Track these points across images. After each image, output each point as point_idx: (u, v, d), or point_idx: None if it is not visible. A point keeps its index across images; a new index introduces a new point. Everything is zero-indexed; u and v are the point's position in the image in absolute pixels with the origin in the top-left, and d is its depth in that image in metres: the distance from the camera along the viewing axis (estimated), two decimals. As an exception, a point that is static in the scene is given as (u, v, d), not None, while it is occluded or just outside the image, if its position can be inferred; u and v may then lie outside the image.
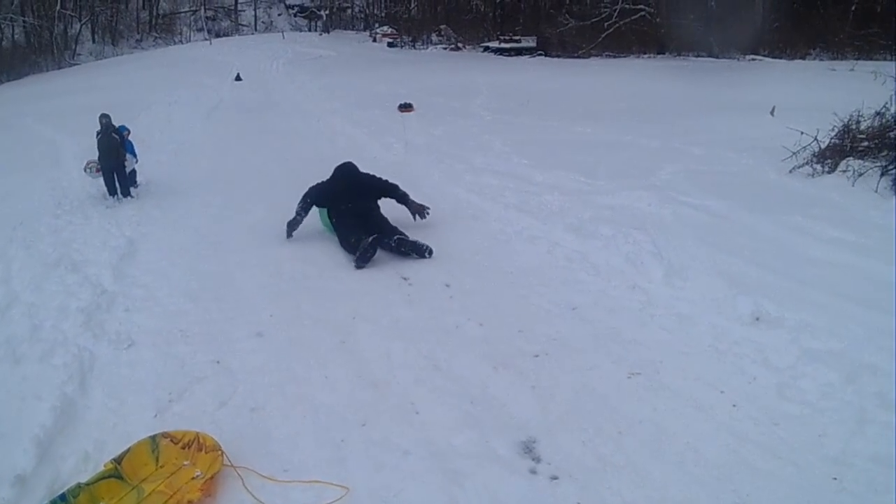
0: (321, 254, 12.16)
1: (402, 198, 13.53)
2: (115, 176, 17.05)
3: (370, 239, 11.48)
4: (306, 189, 13.42)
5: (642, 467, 6.14)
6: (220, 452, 6.50)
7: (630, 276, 10.07)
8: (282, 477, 6.31)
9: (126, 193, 17.10)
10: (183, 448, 6.67)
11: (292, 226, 13.05)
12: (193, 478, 6.38)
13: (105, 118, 17.02)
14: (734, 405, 6.90)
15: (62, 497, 5.98)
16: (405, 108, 29.04)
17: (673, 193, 13.77)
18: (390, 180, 13.75)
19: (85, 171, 17.71)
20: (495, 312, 9.24)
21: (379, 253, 11.74)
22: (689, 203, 13.13)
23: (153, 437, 6.77)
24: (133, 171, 17.90)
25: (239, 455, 6.60)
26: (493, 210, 13.81)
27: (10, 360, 8.84)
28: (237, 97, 37.73)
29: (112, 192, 17.00)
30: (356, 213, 12.72)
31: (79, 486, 6.11)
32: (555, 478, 6.07)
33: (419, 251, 11.61)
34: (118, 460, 6.44)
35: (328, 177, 13.61)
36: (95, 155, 16.76)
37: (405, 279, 10.68)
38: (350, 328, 9.11)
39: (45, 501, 6.14)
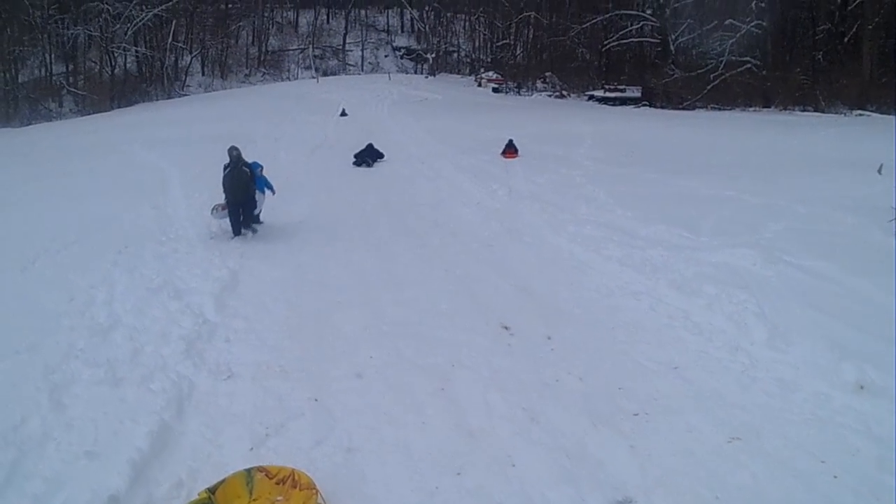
0: (423, 299, 12.18)
1: None
2: (241, 212, 16.69)
3: None
4: (407, 233, 13.53)
5: (739, 536, 6.09)
6: (314, 491, 6.56)
7: (733, 337, 9.94)
8: (374, 521, 6.39)
9: (247, 227, 16.82)
10: (277, 483, 6.76)
11: None
12: (285, 514, 6.46)
13: (235, 150, 16.62)
14: (835, 476, 6.76)
15: None
16: (509, 150, 29.12)
17: (777, 252, 13.53)
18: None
19: (212, 213, 17.52)
20: (596, 367, 9.19)
21: (485, 291, 12.12)
22: (793, 263, 12.90)
23: (248, 470, 6.87)
24: (258, 211, 17.61)
25: (333, 495, 6.68)
26: (595, 262, 13.76)
27: (111, 381, 9.10)
28: (342, 136, 37.99)
29: (237, 231, 16.70)
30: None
31: (172, 511, 6.24)
32: (650, 541, 6.05)
33: None
34: (212, 490, 6.58)
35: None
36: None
37: (506, 328, 10.66)
38: (449, 375, 9.14)
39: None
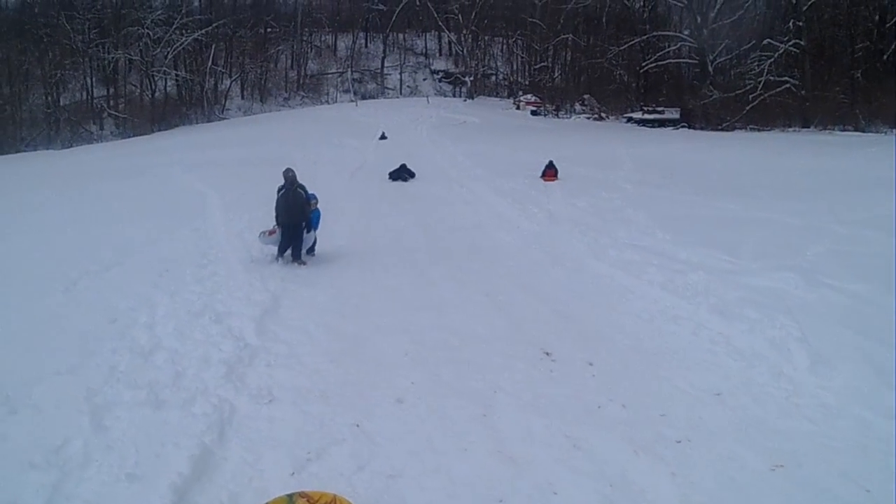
0: (463, 324, 12.15)
1: None
2: (292, 236, 16.52)
3: None
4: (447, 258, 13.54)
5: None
6: (355, 517, 6.51)
7: (775, 363, 9.86)
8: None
9: (297, 257, 16.60)
10: (318, 509, 6.73)
11: None
12: (326, 540, 6.43)
13: (290, 172, 16.68)
14: (880, 506, 6.67)
15: None
16: (549, 170, 29.17)
17: (818, 276, 13.47)
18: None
19: (259, 237, 17.43)
20: (638, 394, 9.13)
21: (526, 316, 12.14)
22: (834, 286, 12.81)
23: (290, 496, 6.84)
24: (314, 240, 17.37)
25: (374, 521, 6.62)
26: (636, 287, 13.70)
27: (152, 404, 9.17)
28: (381, 159, 38.10)
29: (282, 251, 16.60)
30: None
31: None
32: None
33: None
34: (253, 514, 6.54)
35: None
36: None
37: (547, 354, 10.61)
38: (491, 401, 9.09)
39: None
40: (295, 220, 16.44)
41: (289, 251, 16.54)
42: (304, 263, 16.56)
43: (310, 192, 17.14)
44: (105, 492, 7.21)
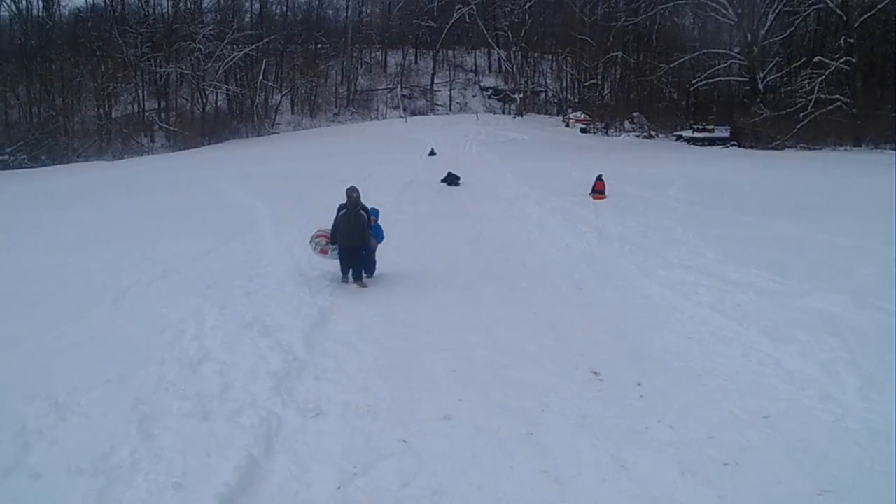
0: (512, 342, 12.11)
1: None
2: (351, 259, 16.03)
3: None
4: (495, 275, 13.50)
5: None
6: (401, 533, 6.53)
7: (824, 386, 9.72)
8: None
9: (358, 278, 16.18)
10: (365, 524, 6.75)
11: None
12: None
13: (354, 192, 15.89)
14: (930, 534, 6.59)
15: None
16: (598, 183, 29.25)
17: (869, 298, 13.26)
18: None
19: (310, 243, 16.78)
20: (686, 415, 9.05)
21: (574, 335, 12.21)
22: (884, 308, 12.61)
23: (335, 509, 6.89)
24: (374, 260, 16.89)
25: (419, 537, 6.62)
26: (686, 307, 13.59)
27: (200, 415, 9.25)
28: (430, 176, 38.32)
29: (345, 273, 16.16)
30: None
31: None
32: None
33: None
34: (299, 527, 6.57)
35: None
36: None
37: (595, 374, 10.55)
38: (538, 420, 9.06)
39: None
40: (354, 243, 15.83)
41: (350, 272, 16.19)
42: (365, 286, 16.09)
43: (372, 207, 16.78)
44: (151, 500, 7.32)
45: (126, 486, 7.52)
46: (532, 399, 9.69)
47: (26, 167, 64.01)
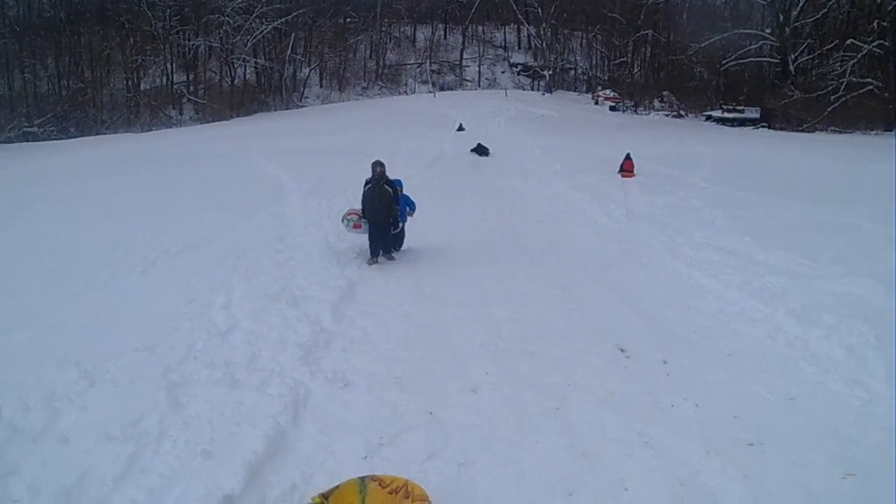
0: (539, 318, 12.15)
1: None
2: (382, 231, 15.91)
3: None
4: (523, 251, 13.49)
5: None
6: (427, 503, 6.61)
7: (851, 370, 9.68)
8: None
9: (387, 251, 16.13)
10: (390, 493, 6.79)
11: None
12: (397, 523, 6.49)
13: (379, 166, 15.80)
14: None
15: None
16: (626, 162, 29.21)
17: (898, 283, 13.18)
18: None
19: (343, 221, 16.57)
20: (711, 395, 9.05)
21: (601, 312, 12.30)
22: (915, 294, 12.52)
23: (362, 479, 6.92)
24: (402, 234, 16.78)
25: (444, 509, 6.69)
26: (713, 287, 13.54)
27: (228, 383, 9.39)
28: (458, 151, 38.29)
29: (375, 252, 15.90)
30: None
31: (285, 514, 6.33)
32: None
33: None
34: (326, 496, 6.66)
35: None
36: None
37: (622, 351, 10.58)
38: (564, 395, 9.10)
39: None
40: (380, 218, 15.70)
41: (380, 253, 16.02)
42: (393, 258, 16.13)
43: (396, 178, 16.66)
44: (179, 466, 7.42)
45: (154, 453, 7.64)
46: (559, 374, 9.73)
47: (55, 139, 64.20)
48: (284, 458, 7.70)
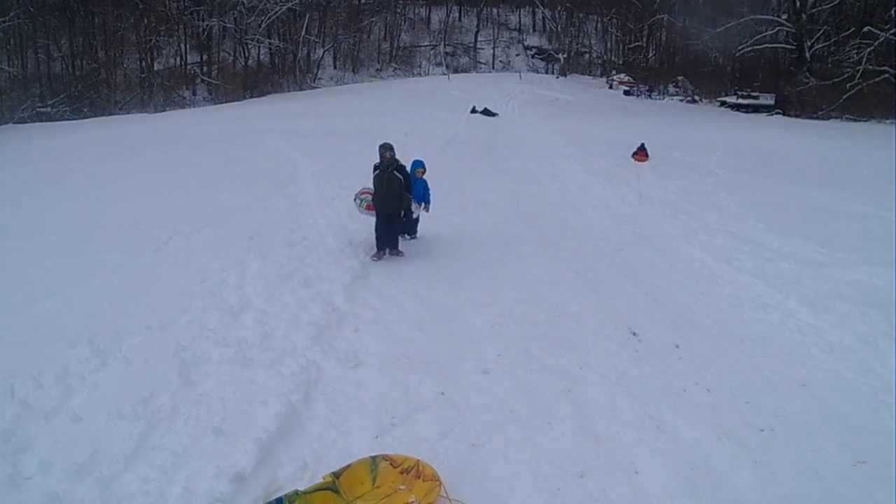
0: (552, 300, 12.16)
1: None
2: (390, 223, 14.70)
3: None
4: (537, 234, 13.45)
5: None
6: (438, 483, 6.67)
7: (864, 358, 9.68)
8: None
9: (395, 246, 14.85)
10: (402, 473, 6.88)
11: None
12: (408, 503, 6.57)
13: (388, 151, 14.39)
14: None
15: (279, 501, 6.32)
16: (640, 152, 29.01)
17: (913, 273, 13.13)
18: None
19: (355, 201, 15.59)
20: (723, 380, 9.07)
21: (614, 295, 12.35)
22: (928, 284, 12.47)
23: (373, 458, 6.98)
24: (416, 219, 15.94)
25: (456, 488, 6.77)
26: (726, 273, 13.52)
27: (240, 362, 9.46)
28: (472, 133, 38.18)
29: (381, 246, 14.71)
30: None
31: (296, 492, 6.43)
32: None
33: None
34: (337, 474, 6.72)
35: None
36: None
37: (634, 334, 10.60)
38: (576, 378, 9.14)
39: (261, 502, 6.51)
40: (390, 208, 14.48)
41: (386, 249, 14.81)
42: (401, 254, 14.85)
43: (416, 159, 15.78)
44: (191, 444, 7.49)
45: (166, 431, 7.70)
46: (571, 356, 9.76)
47: (69, 119, 64.18)
48: (296, 436, 7.76)
